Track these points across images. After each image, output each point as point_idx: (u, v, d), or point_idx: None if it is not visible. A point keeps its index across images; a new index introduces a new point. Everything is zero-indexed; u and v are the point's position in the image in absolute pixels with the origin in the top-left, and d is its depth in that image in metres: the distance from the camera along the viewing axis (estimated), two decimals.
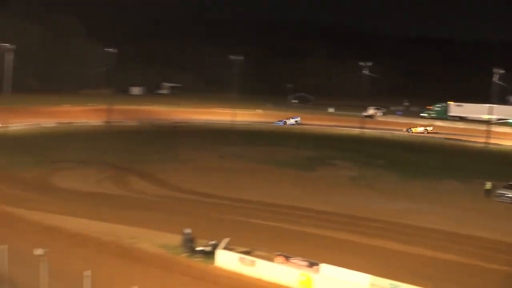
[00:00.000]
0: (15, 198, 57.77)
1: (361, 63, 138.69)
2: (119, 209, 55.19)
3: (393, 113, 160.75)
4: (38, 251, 26.03)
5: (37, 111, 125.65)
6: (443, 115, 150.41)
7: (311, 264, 38.02)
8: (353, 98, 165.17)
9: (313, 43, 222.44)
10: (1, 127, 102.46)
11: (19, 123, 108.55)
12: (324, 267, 37.55)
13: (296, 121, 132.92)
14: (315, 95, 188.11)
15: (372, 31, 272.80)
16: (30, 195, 59.99)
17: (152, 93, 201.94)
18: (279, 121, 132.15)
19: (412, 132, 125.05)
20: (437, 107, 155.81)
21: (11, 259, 28.17)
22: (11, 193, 60.35)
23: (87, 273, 25.06)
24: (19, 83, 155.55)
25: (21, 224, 49.04)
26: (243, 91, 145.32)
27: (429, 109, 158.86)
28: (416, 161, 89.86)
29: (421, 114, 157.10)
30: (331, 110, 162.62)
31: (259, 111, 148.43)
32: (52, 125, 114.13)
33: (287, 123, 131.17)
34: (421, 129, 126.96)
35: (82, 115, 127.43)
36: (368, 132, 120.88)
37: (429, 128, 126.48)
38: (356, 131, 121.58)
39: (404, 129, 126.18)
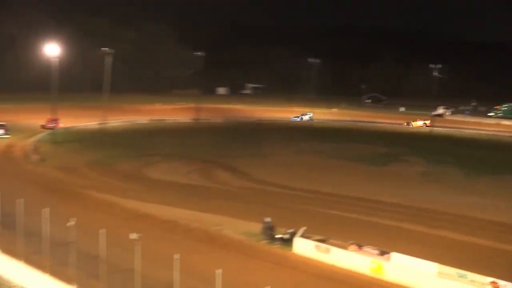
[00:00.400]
0: (113, 188, 59.23)
1: (431, 65, 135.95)
2: (206, 198, 55.87)
3: (461, 112, 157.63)
4: (133, 236, 26.60)
5: (132, 109, 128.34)
6: (510, 115, 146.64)
7: (382, 253, 37.72)
8: (423, 98, 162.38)
9: (385, 46, 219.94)
10: (100, 123, 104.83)
11: (116, 120, 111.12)
12: (394, 255, 37.20)
13: (310, 117, 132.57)
14: (387, 96, 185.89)
15: (440, 35, 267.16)
16: (127, 185, 61.38)
17: (236, 93, 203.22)
18: (295, 117, 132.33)
19: (412, 126, 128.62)
20: (504, 107, 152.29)
21: (109, 242, 28.86)
22: (110, 183, 61.90)
23: (177, 256, 25.47)
24: (116, 84, 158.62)
25: (119, 211, 50.27)
26: (319, 92, 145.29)
27: (496, 109, 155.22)
28: (483, 157, 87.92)
29: (488, 114, 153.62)
30: (402, 109, 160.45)
31: (334, 110, 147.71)
32: (146, 122, 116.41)
33: (303, 118, 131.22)
34: (420, 122, 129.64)
35: (173, 113, 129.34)
36: (437, 130, 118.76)
37: (427, 122, 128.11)
38: (425, 129, 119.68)
39: (405, 123, 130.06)
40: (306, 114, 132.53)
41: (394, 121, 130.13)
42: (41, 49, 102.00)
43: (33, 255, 33.67)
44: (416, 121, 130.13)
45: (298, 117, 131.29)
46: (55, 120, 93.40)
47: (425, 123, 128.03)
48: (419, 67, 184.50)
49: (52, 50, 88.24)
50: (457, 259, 37.41)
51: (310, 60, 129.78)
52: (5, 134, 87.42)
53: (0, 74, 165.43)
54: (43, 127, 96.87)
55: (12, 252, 34.34)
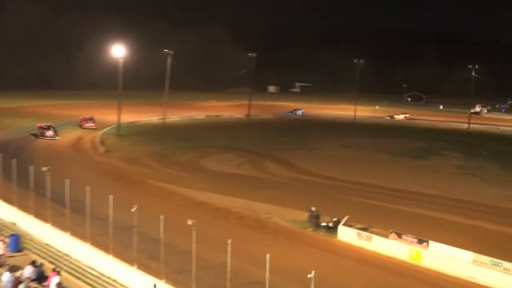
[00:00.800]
0: (172, 177, 59.81)
1: (469, 66, 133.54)
2: (256, 188, 55.95)
3: (498, 110, 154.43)
4: (190, 221, 26.72)
5: (189, 106, 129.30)
6: None
7: (421, 241, 37.29)
8: (462, 97, 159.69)
9: (426, 48, 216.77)
10: (161, 118, 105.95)
11: (175, 115, 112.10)
12: (432, 244, 36.77)
13: (302, 112, 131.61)
14: (426, 94, 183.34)
15: (479, 37, 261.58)
16: (184, 175, 61.86)
17: (285, 91, 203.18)
18: (289, 112, 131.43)
19: (394, 118, 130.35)
20: None
21: (167, 226, 29.13)
22: (169, 173, 62.49)
23: (229, 241, 25.57)
24: (175, 82, 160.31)
25: (177, 198, 50.73)
26: (363, 90, 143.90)
27: None
28: None
29: None
30: (441, 107, 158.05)
31: (377, 107, 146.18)
32: (202, 117, 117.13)
33: (297, 113, 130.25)
34: (401, 116, 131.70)
35: (227, 109, 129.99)
36: (474, 127, 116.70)
37: (407, 115, 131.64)
38: (463, 126, 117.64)
39: (388, 116, 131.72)
40: (299, 110, 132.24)
41: (433, 118, 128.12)
42: (109, 49, 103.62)
43: (98, 237, 34.18)
44: (398, 114, 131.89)
45: (292, 112, 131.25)
46: (91, 120, 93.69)
47: (405, 116, 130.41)
48: (458, 68, 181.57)
49: (118, 51, 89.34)
50: (492, 248, 36.70)
51: (355, 61, 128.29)
52: (54, 136, 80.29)
53: (71, 72, 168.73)
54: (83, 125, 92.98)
55: (80, 234, 34.92)
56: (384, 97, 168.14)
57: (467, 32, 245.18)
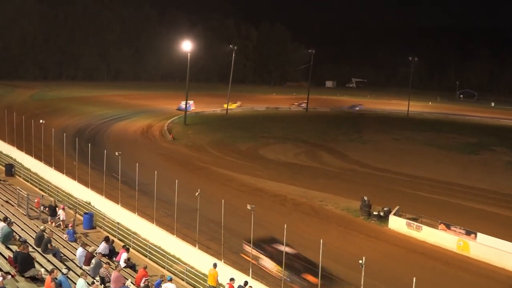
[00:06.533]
0: (232, 165, 60.24)
1: None
2: (311, 177, 55.88)
3: None
4: (249, 206, 26.89)
5: (250, 98, 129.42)
6: None
7: (469, 233, 36.71)
8: None
9: (481, 45, 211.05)
10: (224, 109, 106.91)
11: (238, 107, 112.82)
12: (480, 235, 36.12)
13: (360, 107, 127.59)
14: (479, 91, 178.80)
15: None
16: (244, 162, 62.21)
17: (342, 86, 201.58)
18: (349, 107, 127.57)
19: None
20: None
21: (228, 210, 29.36)
22: (231, 161, 62.96)
23: (285, 226, 25.59)
24: (239, 76, 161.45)
25: (237, 184, 51.08)
26: (416, 86, 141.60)
27: None
28: None
29: None
30: (492, 104, 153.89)
31: (430, 103, 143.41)
32: (262, 109, 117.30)
33: (302, 105, 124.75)
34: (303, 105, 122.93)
35: (286, 102, 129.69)
36: None
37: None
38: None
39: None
40: (358, 105, 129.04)
41: (485, 115, 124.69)
42: (178, 44, 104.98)
43: (163, 218, 34.78)
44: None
45: (351, 107, 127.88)
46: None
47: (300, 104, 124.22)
48: (510, 66, 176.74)
49: (187, 45, 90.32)
50: None
51: (409, 58, 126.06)
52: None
53: (142, 65, 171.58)
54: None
55: (147, 215, 35.62)
56: (437, 94, 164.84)
57: None
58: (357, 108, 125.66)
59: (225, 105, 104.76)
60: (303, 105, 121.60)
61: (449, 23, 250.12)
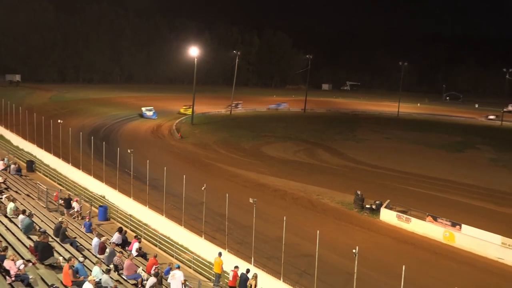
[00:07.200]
0: (237, 162, 60.20)
1: (504, 69, 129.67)
2: (309, 173, 55.83)
3: None
4: (251, 200, 26.92)
5: (253, 100, 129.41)
6: None
7: (454, 224, 36.72)
8: (496, 96, 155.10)
9: (466, 52, 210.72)
10: (227, 111, 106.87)
11: (241, 107, 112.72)
12: (464, 227, 36.16)
13: (284, 106, 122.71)
14: (464, 94, 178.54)
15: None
16: (247, 160, 62.16)
17: (337, 89, 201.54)
18: (274, 105, 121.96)
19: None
20: None
21: (232, 204, 29.41)
22: (235, 158, 62.92)
23: (284, 218, 25.67)
24: (242, 79, 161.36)
25: (240, 180, 51.07)
26: (407, 89, 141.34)
27: None
28: None
29: None
30: (476, 105, 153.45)
31: (419, 105, 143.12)
32: (264, 110, 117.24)
33: (280, 107, 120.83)
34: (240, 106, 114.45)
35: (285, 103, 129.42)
36: (507, 124, 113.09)
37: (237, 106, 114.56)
38: (497, 123, 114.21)
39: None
40: (282, 103, 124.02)
41: (469, 115, 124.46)
42: (185, 50, 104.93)
43: (172, 211, 34.82)
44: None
45: (275, 105, 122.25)
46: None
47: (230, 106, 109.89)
48: (494, 70, 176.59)
49: (194, 51, 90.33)
50: None
51: (400, 63, 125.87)
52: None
53: (153, 69, 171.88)
54: None
55: (157, 208, 35.68)
56: (425, 96, 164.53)
57: (503, 37, 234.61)
58: (281, 107, 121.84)
59: (181, 109, 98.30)
60: (240, 106, 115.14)
61: (442, 32, 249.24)
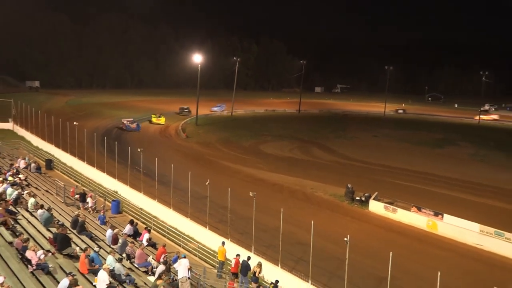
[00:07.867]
0: (237, 159, 60.21)
1: (481, 72, 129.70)
2: (304, 168, 55.85)
3: (504, 108, 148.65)
4: (251, 193, 26.90)
5: (251, 102, 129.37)
6: None
7: (437, 214, 36.83)
8: (474, 97, 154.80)
9: (448, 56, 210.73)
10: (228, 112, 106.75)
11: (240, 109, 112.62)
12: (446, 216, 36.23)
13: (222, 107, 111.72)
14: (445, 95, 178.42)
15: (490, 46, 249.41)
16: (246, 157, 62.18)
17: (329, 91, 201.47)
18: (215, 107, 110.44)
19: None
20: None
21: (233, 197, 29.39)
22: (235, 155, 62.91)
23: (282, 210, 25.65)
24: (241, 83, 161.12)
25: (241, 175, 51.07)
26: (392, 91, 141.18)
27: None
28: None
29: None
30: (456, 105, 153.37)
31: (403, 105, 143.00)
32: (262, 111, 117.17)
33: (221, 109, 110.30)
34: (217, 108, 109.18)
35: (282, 105, 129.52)
36: (483, 122, 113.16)
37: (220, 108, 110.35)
38: (474, 121, 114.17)
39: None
40: (222, 105, 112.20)
41: (449, 114, 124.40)
42: (190, 57, 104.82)
43: (179, 204, 34.81)
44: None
45: (218, 106, 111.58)
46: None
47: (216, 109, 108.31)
48: (472, 73, 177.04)
49: (197, 58, 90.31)
50: (496, 221, 35.80)
51: (386, 67, 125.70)
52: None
53: (161, 75, 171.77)
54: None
55: (165, 201, 35.68)
56: (409, 97, 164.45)
57: (482, 41, 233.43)
58: (222, 109, 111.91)
59: (153, 119, 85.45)
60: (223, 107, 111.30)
61: (425, 37, 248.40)
